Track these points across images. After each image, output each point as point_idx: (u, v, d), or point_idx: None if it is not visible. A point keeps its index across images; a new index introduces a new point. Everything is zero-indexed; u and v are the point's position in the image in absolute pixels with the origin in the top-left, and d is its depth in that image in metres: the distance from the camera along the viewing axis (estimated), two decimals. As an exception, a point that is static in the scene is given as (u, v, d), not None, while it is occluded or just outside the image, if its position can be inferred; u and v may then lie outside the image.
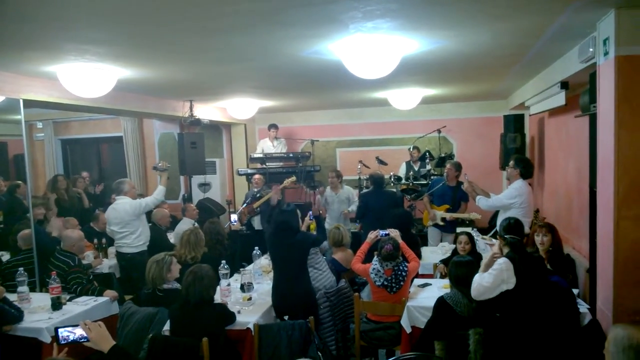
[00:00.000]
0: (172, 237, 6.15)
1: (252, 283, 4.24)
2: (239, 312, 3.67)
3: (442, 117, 8.58)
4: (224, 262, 4.16)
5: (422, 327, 3.46)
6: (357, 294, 4.04)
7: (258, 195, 6.92)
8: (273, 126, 8.53)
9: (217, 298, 3.71)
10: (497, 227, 3.99)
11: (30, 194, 4.95)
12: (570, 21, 3.24)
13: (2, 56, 3.85)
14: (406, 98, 6.87)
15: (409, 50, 3.85)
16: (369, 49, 3.60)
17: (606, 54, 3.08)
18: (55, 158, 9.16)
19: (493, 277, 2.92)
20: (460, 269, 3.20)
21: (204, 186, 8.44)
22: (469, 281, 3.07)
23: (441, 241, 5.95)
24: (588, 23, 3.26)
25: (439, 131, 8.16)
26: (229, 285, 4.05)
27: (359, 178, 7.78)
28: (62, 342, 2.45)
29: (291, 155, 8.48)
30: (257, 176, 7.32)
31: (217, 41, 3.53)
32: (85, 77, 4.16)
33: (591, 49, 3.38)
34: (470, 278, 3.08)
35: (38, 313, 3.84)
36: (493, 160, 8.03)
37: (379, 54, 3.64)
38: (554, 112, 6.03)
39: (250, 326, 3.48)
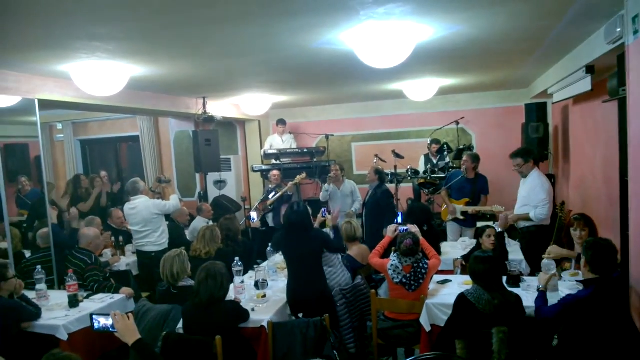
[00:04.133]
0: (187, 235, 6.15)
1: (266, 280, 4.18)
2: (253, 309, 3.61)
3: (460, 109, 8.40)
4: (237, 259, 4.12)
5: (443, 325, 3.35)
6: (374, 290, 3.94)
7: (274, 192, 6.86)
8: (281, 122, 8.49)
9: (231, 295, 3.66)
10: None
11: (47, 194, 4.98)
12: (595, -1, 3.08)
13: (15, 57, 3.85)
14: (422, 89, 6.72)
15: (423, 36, 3.72)
16: (381, 37, 3.47)
17: (636, 32, 2.90)
18: (75, 158, 9.27)
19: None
20: (480, 264, 3.07)
21: (220, 183, 8.43)
22: (488, 277, 2.96)
23: (461, 236, 5.81)
24: (615, 0, 3.08)
25: (457, 123, 7.99)
26: (242, 282, 4.00)
27: (376, 172, 7.66)
28: (95, 328, 2.62)
29: (306, 150, 8.42)
30: (274, 172, 7.26)
31: (224, 33, 3.46)
32: (97, 75, 4.15)
33: (619, 29, 3.21)
34: (490, 274, 2.96)
35: (55, 310, 3.86)
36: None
37: (392, 41, 3.51)
38: (579, 98, 5.81)
39: (265, 324, 3.42)
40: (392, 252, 3.96)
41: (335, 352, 3.30)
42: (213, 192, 8.07)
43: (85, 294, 4.18)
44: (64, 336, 3.60)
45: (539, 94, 7.08)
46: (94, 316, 2.65)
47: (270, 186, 7.14)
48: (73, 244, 4.80)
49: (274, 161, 8.28)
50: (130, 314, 2.61)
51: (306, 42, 3.75)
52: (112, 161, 9.78)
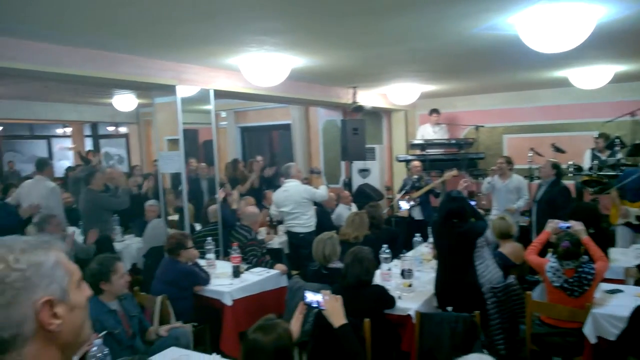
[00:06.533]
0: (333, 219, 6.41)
1: (412, 270, 4.17)
2: (399, 297, 3.65)
3: (636, 98, 7.34)
4: (385, 246, 4.17)
5: (611, 339, 3.02)
6: (528, 292, 3.69)
7: (417, 184, 6.74)
8: (434, 111, 8.26)
9: (378, 281, 3.73)
10: None
11: (217, 175, 5.59)
12: None
13: (193, 51, 4.37)
14: (593, 76, 6.02)
15: (602, 16, 3.33)
16: (555, 19, 3.20)
17: None
18: (235, 143, 10.22)
19: None
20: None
21: (364, 172, 8.59)
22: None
23: (634, 243, 5.12)
24: None
25: (632, 114, 7.01)
26: (389, 270, 4.05)
27: (530, 168, 7.10)
28: (305, 301, 2.64)
29: (453, 141, 8.13)
30: (415, 163, 7.08)
31: (383, 22, 3.50)
32: (263, 67, 4.51)
33: None
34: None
35: (221, 278, 4.32)
36: None
37: (567, 23, 3.21)
38: None
39: (411, 313, 3.42)
40: (549, 253, 3.65)
41: (485, 350, 3.18)
42: (357, 180, 8.26)
43: (245, 266, 4.62)
44: (228, 302, 4.02)
45: None
46: (306, 291, 2.71)
47: (413, 177, 6.95)
48: (235, 221, 5.32)
49: (419, 152, 8.15)
50: (339, 297, 2.60)
51: (467, 28, 3.62)
52: (266, 147, 10.58)
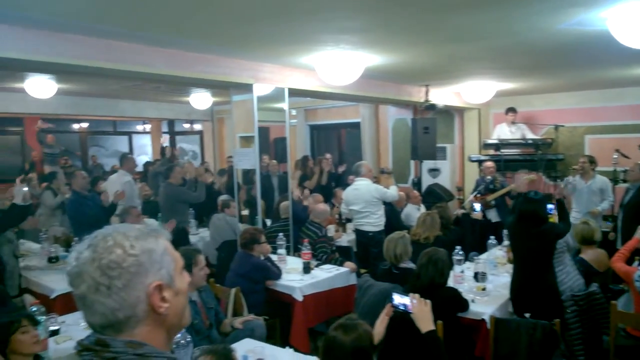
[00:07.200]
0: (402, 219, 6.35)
1: (486, 273, 4.06)
2: (472, 301, 3.56)
3: None
4: (458, 247, 4.09)
5: None
6: (613, 302, 3.47)
7: (492, 186, 6.50)
8: (511, 110, 7.92)
9: (450, 283, 3.66)
10: None
11: (290, 172, 5.71)
12: None
13: (271, 51, 4.49)
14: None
15: None
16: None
17: None
18: (304, 141, 10.38)
19: None
20: None
21: (434, 171, 8.43)
22: None
23: None
24: None
25: None
26: (462, 272, 3.96)
27: (614, 170, 6.65)
28: (392, 304, 2.65)
29: (530, 141, 7.77)
30: (488, 163, 6.83)
31: (462, 19, 3.42)
32: (338, 66, 4.55)
33: None
34: None
35: (292, 274, 4.41)
36: None
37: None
38: None
39: (485, 317, 3.34)
40: (636, 261, 3.42)
41: (565, 361, 3.04)
42: (427, 180, 8.12)
43: (315, 263, 4.69)
44: (299, 297, 4.11)
45: None
46: (393, 293, 2.72)
47: (486, 178, 6.71)
48: (306, 218, 5.41)
49: (492, 151, 7.87)
50: (428, 301, 2.57)
51: (553, 23, 3.46)
52: (334, 145, 10.65)
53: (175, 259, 1.05)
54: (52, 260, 4.70)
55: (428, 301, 2.53)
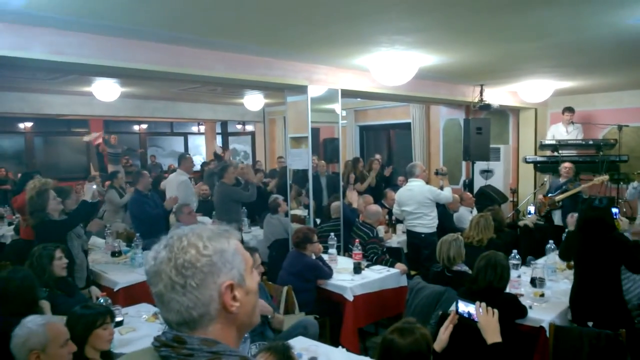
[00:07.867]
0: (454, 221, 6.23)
1: (544, 279, 3.92)
2: (530, 307, 3.45)
3: None
4: (515, 251, 3.97)
5: None
6: (687, 313, 3.28)
7: (564, 187, 6.23)
8: (568, 109, 7.59)
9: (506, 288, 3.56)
10: None
11: (341, 172, 5.74)
12: None
13: (326, 53, 4.54)
14: None
15: None
16: None
17: None
18: (354, 142, 10.39)
19: None
20: None
21: (486, 173, 8.21)
22: None
23: None
24: None
25: None
26: (519, 277, 3.85)
27: (687, 173, 6.25)
28: (457, 310, 2.61)
29: (591, 142, 7.41)
30: (566, 164, 6.44)
31: (523, 17, 3.34)
32: (392, 66, 4.54)
33: None
34: None
35: (342, 274, 4.42)
36: None
37: None
38: None
39: (545, 325, 3.22)
40: None
41: (632, 374, 2.89)
42: (479, 182, 7.92)
43: (366, 263, 4.69)
44: (350, 297, 4.10)
45: None
46: (459, 299, 2.67)
47: (560, 180, 6.43)
48: (355, 218, 5.41)
49: (549, 153, 7.57)
50: (496, 311, 2.47)
51: (623, 18, 3.31)
52: (384, 146, 10.59)
53: (246, 259, 1.07)
54: (115, 254, 4.94)
55: (495, 310, 2.45)
